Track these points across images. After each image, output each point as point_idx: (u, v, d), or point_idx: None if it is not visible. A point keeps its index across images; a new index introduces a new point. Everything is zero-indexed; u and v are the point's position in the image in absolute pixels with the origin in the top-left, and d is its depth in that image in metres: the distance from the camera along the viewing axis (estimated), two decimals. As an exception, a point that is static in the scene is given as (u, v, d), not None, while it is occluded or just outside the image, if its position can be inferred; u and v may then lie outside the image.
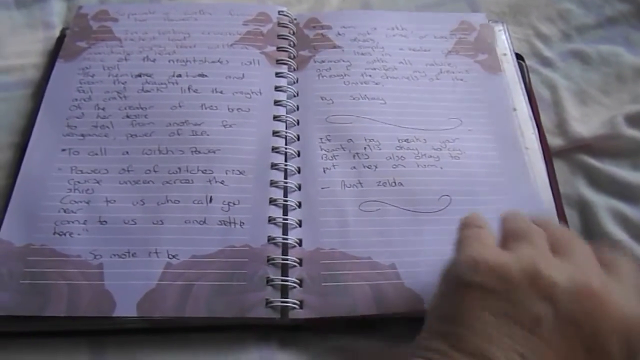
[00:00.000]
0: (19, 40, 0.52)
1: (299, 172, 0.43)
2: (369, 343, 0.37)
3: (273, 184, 0.42)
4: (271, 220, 0.40)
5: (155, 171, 0.42)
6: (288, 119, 0.45)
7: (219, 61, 0.48)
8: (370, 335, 0.37)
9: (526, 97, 0.49)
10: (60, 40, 0.50)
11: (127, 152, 0.42)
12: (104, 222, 0.39)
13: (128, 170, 0.42)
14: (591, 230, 0.43)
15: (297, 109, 0.46)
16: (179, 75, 0.47)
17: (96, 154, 0.42)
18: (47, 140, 0.43)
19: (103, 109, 0.44)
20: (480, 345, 0.24)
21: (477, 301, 0.25)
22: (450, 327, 0.26)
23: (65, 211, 0.39)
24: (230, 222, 0.39)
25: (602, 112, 0.50)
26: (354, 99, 0.47)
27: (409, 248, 0.39)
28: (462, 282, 0.27)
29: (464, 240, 0.30)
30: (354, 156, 0.43)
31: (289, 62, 0.49)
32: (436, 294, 0.29)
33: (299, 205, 0.41)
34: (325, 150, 0.44)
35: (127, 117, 0.44)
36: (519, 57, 0.52)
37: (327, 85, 0.47)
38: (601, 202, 0.44)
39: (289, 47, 0.50)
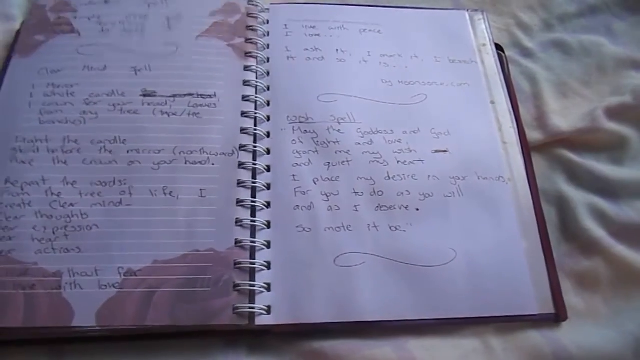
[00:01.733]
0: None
1: (268, 170, 0.41)
2: (343, 345, 0.36)
3: (240, 183, 0.40)
4: (238, 222, 0.38)
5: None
6: (257, 115, 0.43)
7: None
8: (342, 338, 0.36)
9: (505, 90, 0.47)
10: (19, 33, 0.48)
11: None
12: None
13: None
14: (569, 227, 0.42)
15: (268, 104, 0.44)
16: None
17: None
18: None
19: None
20: None
21: None
22: None
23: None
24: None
25: (582, 104, 0.48)
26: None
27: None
28: None
29: None
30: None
31: (259, 55, 0.47)
32: None
33: (268, 205, 0.40)
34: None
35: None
36: (498, 47, 0.50)
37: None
38: (580, 198, 0.43)
39: (258, 38, 0.48)
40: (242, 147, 0.41)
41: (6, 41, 0.48)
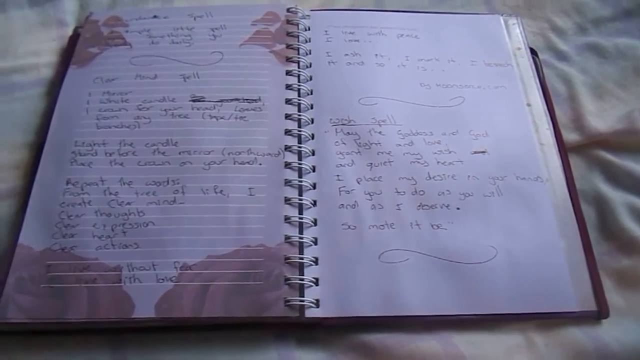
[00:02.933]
0: (32, 39, 0.52)
1: (313, 170, 0.43)
2: (389, 338, 0.37)
3: (287, 183, 0.42)
4: (287, 219, 0.40)
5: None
6: (302, 117, 0.45)
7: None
8: (388, 331, 0.37)
9: (540, 92, 0.48)
10: (73, 38, 0.51)
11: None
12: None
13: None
14: (608, 226, 0.43)
15: (312, 107, 0.46)
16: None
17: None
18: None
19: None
20: None
21: None
22: None
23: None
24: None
25: (619, 106, 0.49)
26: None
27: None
28: None
29: None
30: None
31: (301, 60, 0.48)
32: None
33: (314, 203, 0.41)
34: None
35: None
36: (532, 51, 0.51)
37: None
38: (618, 198, 0.43)
39: (300, 44, 0.49)
40: (287, 148, 0.43)
41: (60, 46, 0.51)
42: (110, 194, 0.41)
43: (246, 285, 0.37)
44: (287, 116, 0.45)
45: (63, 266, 0.38)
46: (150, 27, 0.50)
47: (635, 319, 0.39)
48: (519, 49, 0.51)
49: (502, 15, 0.54)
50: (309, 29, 0.51)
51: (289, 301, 0.37)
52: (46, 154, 0.43)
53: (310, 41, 0.50)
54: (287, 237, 0.39)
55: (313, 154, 0.44)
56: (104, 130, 0.44)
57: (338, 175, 0.42)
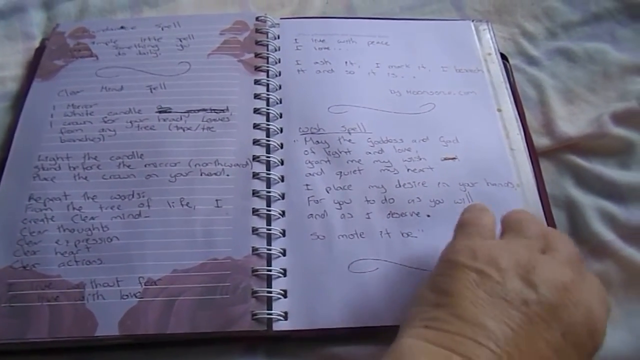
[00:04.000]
0: (-2, 52, 0.51)
1: (282, 180, 0.42)
2: (359, 350, 0.36)
3: (255, 193, 0.41)
4: (254, 231, 0.39)
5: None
6: (270, 127, 0.44)
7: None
8: (359, 343, 0.37)
9: (511, 98, 0.48)
10: (40, 51, 0.50)
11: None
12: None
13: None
14: (579, 230, 0.43)
15: (281, 116, 0.46)
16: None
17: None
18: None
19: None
20: (475, 314, 0.28)
21: (473, 281, 0.29)
22: (448, 299, 0.29)
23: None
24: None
25: (589, 110, 0.49)
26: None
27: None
28: (461, 264, 0.30)
29: (465, 225, 0.34)
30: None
31: (270, 69, 0.48)
32: (433, 273, 0.32)
33: (283, 214, 0.41)
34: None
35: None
36: (503, 57, 0.51)
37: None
38: (589, 202, 0.43)
39: (269, 52, 0.49)
40: (255, 158, 0.43)
41: (26, 59, 0.50)
42: (74, 209, 0.40)
43: (213, 299, 0.37)
44: (256, 126, 0.44)
45: (24, 284, 0.37)
46: (117, 38, 0.50)
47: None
48: (489, 54, 0.51)
49: (472, 21, 0.54)
50: (279, 38, 0.51)
51: (256, 314, 0.36)
52: (8, 170, 0.42)
53: (279, 50, 0.50)
54: (254, 249, 0.39)
55: (282, 163, 0.43)
56: (68, 144, 0.43)
57: (307, 185, 0.42)
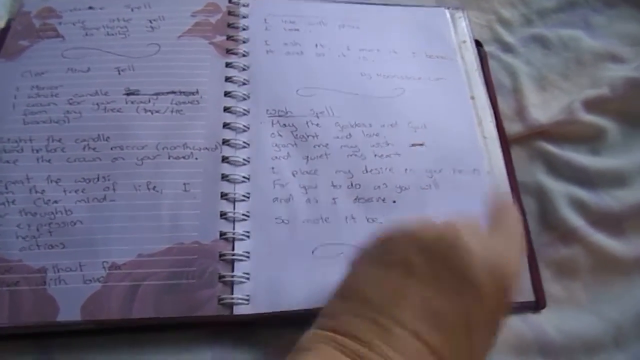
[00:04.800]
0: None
1: (248, 163, 0.42)
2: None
3: (224, 177, 0.40)
4: (222, 215, 0.39)
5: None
6: (237, 108, 0.44)
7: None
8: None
9: (485, 85, 0.48)
10: (5, 31, 0.48)
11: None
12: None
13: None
14: (548, 217, 0.43)
15: (248, 97, 0.45)
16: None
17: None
18: None
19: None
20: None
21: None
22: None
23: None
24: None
25: (561, 97, 0.49)
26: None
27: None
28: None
29: None
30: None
31: (239, 50, 0.47)
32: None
33: (248, 197, 0.40)
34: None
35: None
36: (478, 44, 0.51)
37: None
38: (559, 189, 0.44)
39: (238, 34, 0.48)
40: (225, 142, 0.42)
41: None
42: (36, 192, 0.39)
43: (179, 284, 0.36)
44: (226, 109, 0.44)
45: (-17, 269, 0.36)
46: (85, 18, 0.48)
47: (575, 307, 0.39)
48: (464, 42, 0.51)
49: (448, 8, 0.53)
50: (248, 17, 0.50)
51: (222, 299, 0.36)
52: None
53: (248, 29, 0.49)
54: (222, 233, 0.38)
55: (248, 145, 0.42)
56: (31, 126, 0.42)
57: (273, 168, 0.41)
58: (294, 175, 0.41)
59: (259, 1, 0.51)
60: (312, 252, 0.38)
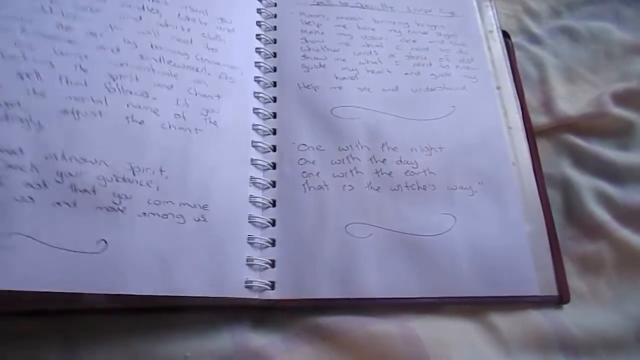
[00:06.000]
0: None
1: (274, 150, 0.42)
2: (346, 321, 0.36)
3: (253, 162, 0.40)
4: (251, 199, 0.39)
5: None
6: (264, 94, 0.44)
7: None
8: (345, 314, 0.37)
9: (511, 76, 0.47)
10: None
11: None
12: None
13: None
14: (574, 211, 0.43)
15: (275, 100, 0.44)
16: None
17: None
18: None
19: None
20: None
21: None
22: None
23: None
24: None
25: (589, 90, 0.49)
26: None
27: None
28: None
29: None
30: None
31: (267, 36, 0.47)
32: None
33: (273, 184, 0.40)
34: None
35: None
36: (505, 34, 0.51)
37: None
38: (585, 182, 0.43)
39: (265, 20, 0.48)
40: (254, 127, 0.41)
41: None
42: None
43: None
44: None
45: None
46: None
47: (598, 304, 0.39)
48: (491, 31, 0.50)
49: (475, -3, 0.53)
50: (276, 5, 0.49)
51: (249, 282, 0.36)
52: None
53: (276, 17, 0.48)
54: (251, 217, 0.38)
55: (274, 133, 0.42)
56: None
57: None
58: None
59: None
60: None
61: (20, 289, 0.31)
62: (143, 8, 0.43)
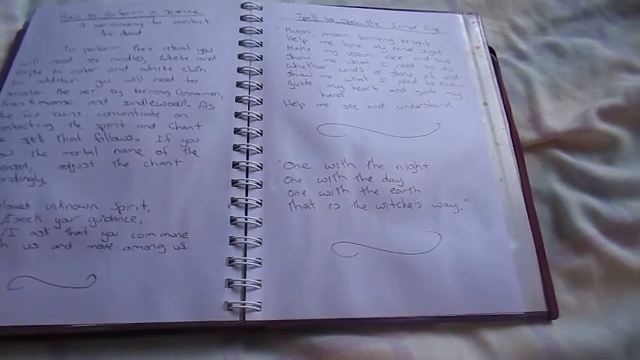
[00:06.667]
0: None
1: (260, 168, 0.41)
2: (339, 340, 0.36)
3: (235, 183, 0.40)
4: (232, 221, 0.39)
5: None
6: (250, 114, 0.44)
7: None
8: (338, 333, 0.36)
9: (498, 92, 0.48)
10: (22, 33, 0.49)
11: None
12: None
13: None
14: (562, 226, 0.43)
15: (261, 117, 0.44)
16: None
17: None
18: None
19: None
20: None
21: None
22: None
23: None
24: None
25: (575, 106, 0.49)
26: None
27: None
28: None
29: None
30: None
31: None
32: None
33: (260, 203, 0.40)
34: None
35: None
36: (491, 50, 0.51)
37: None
38: (573, 198, 0.43)
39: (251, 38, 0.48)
40: (235, 148, 0.42)
41: (8, 41, 0.49)
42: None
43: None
44: (237, 115, 0.43)
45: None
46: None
47: (587, 318, 0.39)
48: (477, 47, 0.51)
49: (462, 13, 0.53)
50: (262, 20, 0.49)
51: (230, 305, 0.36)
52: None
53: (261, 32, 0.49)
54: (232, 239, 0.38)
55: (261, 151, 0.42)
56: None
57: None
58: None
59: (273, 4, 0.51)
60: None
61: (25, 324, 0.35)
62: (129, 58, 0.46)
